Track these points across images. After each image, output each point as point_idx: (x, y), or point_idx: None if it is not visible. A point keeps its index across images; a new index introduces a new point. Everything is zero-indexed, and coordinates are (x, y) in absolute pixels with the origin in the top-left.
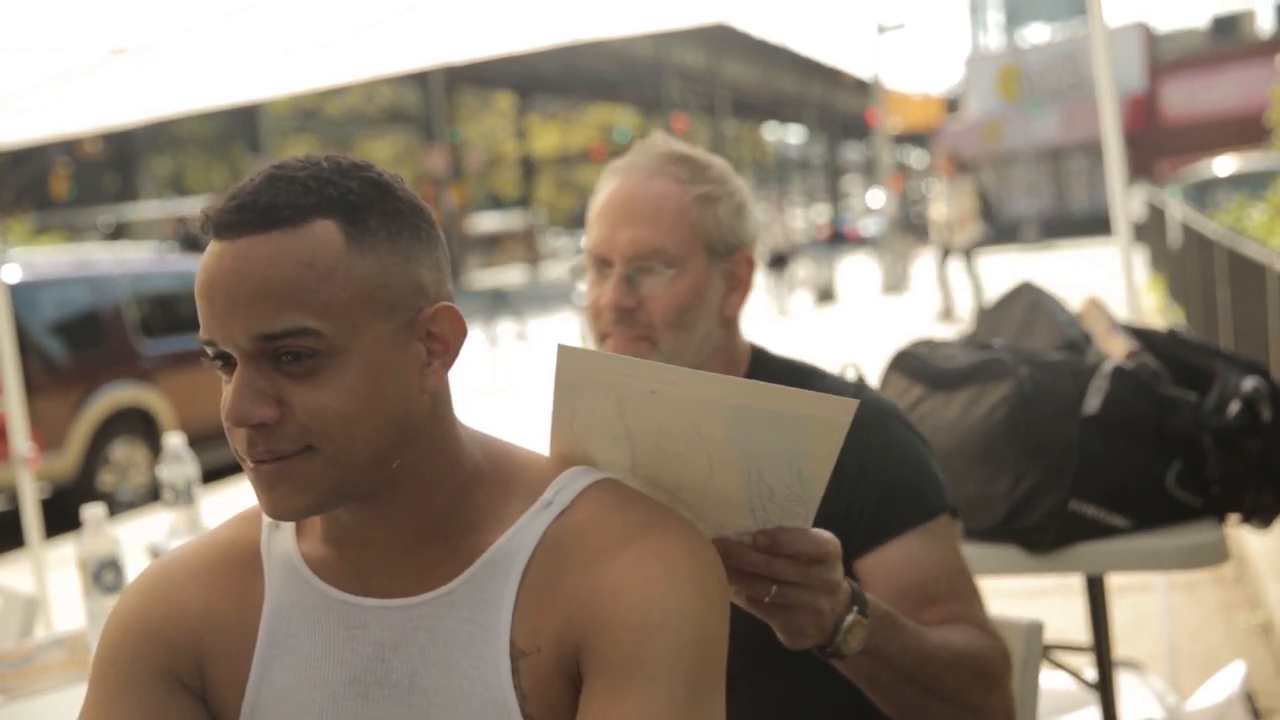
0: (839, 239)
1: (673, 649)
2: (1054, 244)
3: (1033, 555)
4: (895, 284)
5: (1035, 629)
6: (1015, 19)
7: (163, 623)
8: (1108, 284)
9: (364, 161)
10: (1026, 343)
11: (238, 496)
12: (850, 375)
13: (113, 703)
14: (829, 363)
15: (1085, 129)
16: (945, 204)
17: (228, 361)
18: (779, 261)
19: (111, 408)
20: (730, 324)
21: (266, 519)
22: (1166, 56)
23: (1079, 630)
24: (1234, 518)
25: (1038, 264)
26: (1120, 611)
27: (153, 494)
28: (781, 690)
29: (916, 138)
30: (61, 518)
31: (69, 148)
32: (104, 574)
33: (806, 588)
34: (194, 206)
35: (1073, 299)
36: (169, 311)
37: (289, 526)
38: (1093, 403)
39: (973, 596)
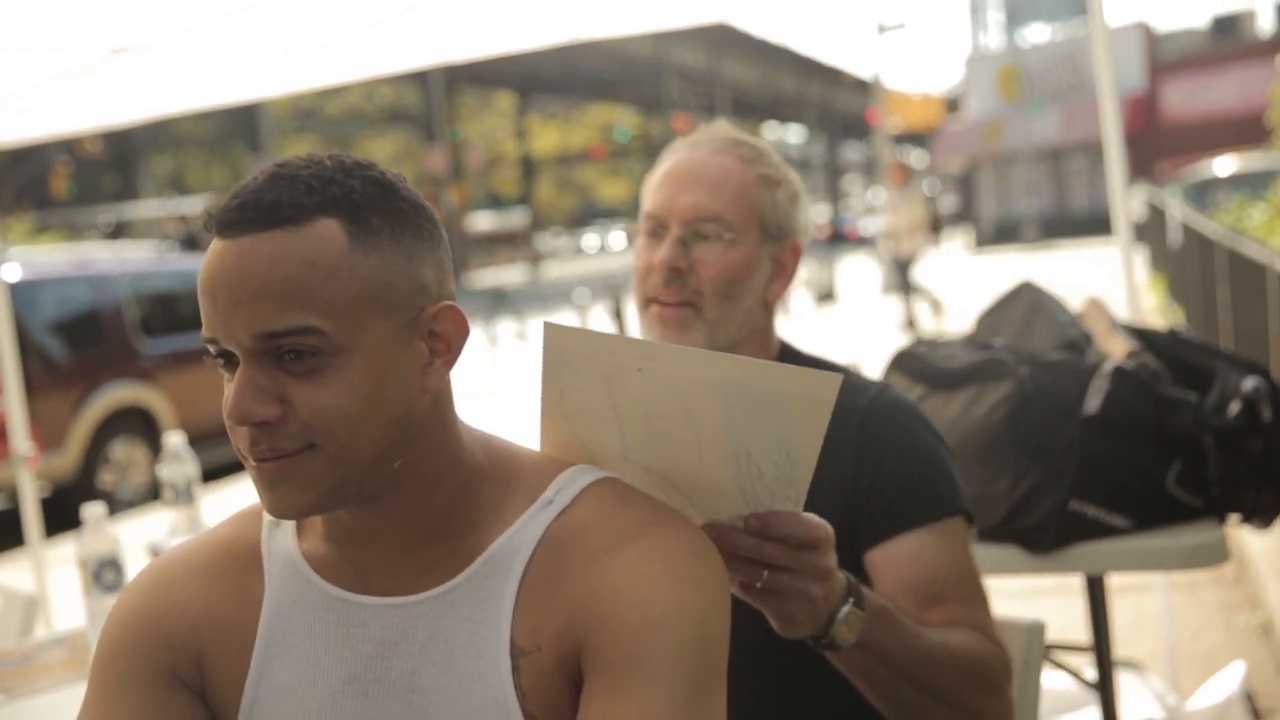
0: (839, 239)
1: (674, 648)
2: (1054, 244)
3: (1033, 555)
4: (895, 284)
5: (1036, 629)
6: (1015, 19)
7: (162, 621)
8: (1108, 284)
9: (367, 160)
10: (1027, 343)
11: (238, 495)
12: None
13: (112, 701)
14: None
15: (1085, 129)
16: (893, 213)
17: (230, 360)
18: None
19: (111, 407)
20: (769, 309)
21: (267, 517)
22: (1167, 56)
23: (1079, 630)
24: (1234, 518)
25: (1038, 264)
26: (1120, 611)
27: (153, 493)
28: (774, 685)
29: (917, 137)
30: (61, 517)
31: (69, 147)
32: (104, 573)
33: (798, 573)
34: (194, 206)
35: (1073, 299)
36: (169, 311)
37: (289, 525)
38: (1093, 403)
39: (979, 602)
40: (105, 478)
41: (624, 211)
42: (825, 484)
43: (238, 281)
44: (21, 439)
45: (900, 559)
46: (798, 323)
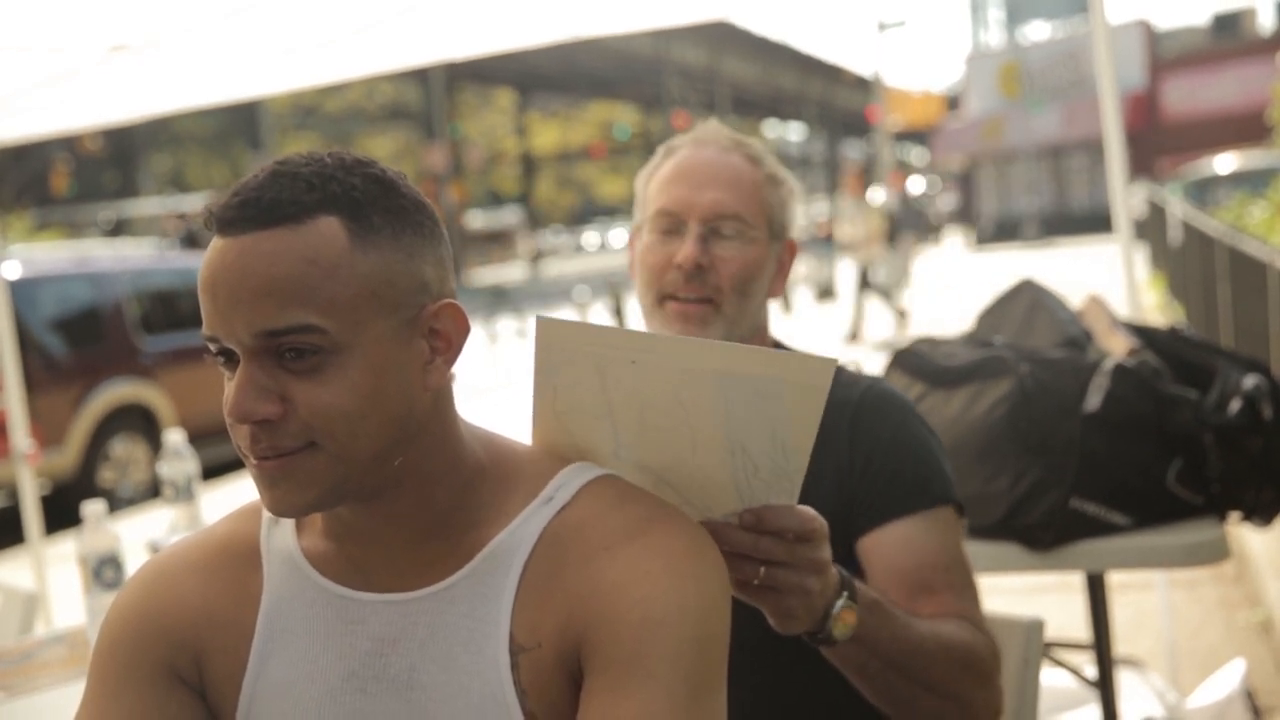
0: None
1: (674, 646)
2: (1055, 241)
3: (1033, 553)
4: (895, 281)
5: (1036, 627)
6: (1016, 16)
7: (161, 618)
8: (1108, 281)
9: (367, 158)
10: (1027, 340)
11: (238, 493)
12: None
13: (111, 698)
14: None
15: (1086, 126)
16: (850, 224)
17: (230, 358)
18: None
19: (112, 404)
20: (767, 308)
21: (266, 514)
22: (1167, 54)
23: (1079, 628)
24: (1234, 515)
25: (1038, 261)
26: (1121, 609)
27: (153, 491)
28: (773, 683)
29: (917, 135)
30: (62, 514)
31: (69, 144)
32: (104, 570)
33: (794, 567)
34: (194, 203)
35: (1073, 296)
36: (169, 308)
37: (289, 522)
38: (1093, 400)
39: (968, 592)
40: (105, 475)
41: (624, 209)
42: (821, 476)
43: (238, 280)
44: (21, 436)
45: (890, 546)
46: (798, 319)
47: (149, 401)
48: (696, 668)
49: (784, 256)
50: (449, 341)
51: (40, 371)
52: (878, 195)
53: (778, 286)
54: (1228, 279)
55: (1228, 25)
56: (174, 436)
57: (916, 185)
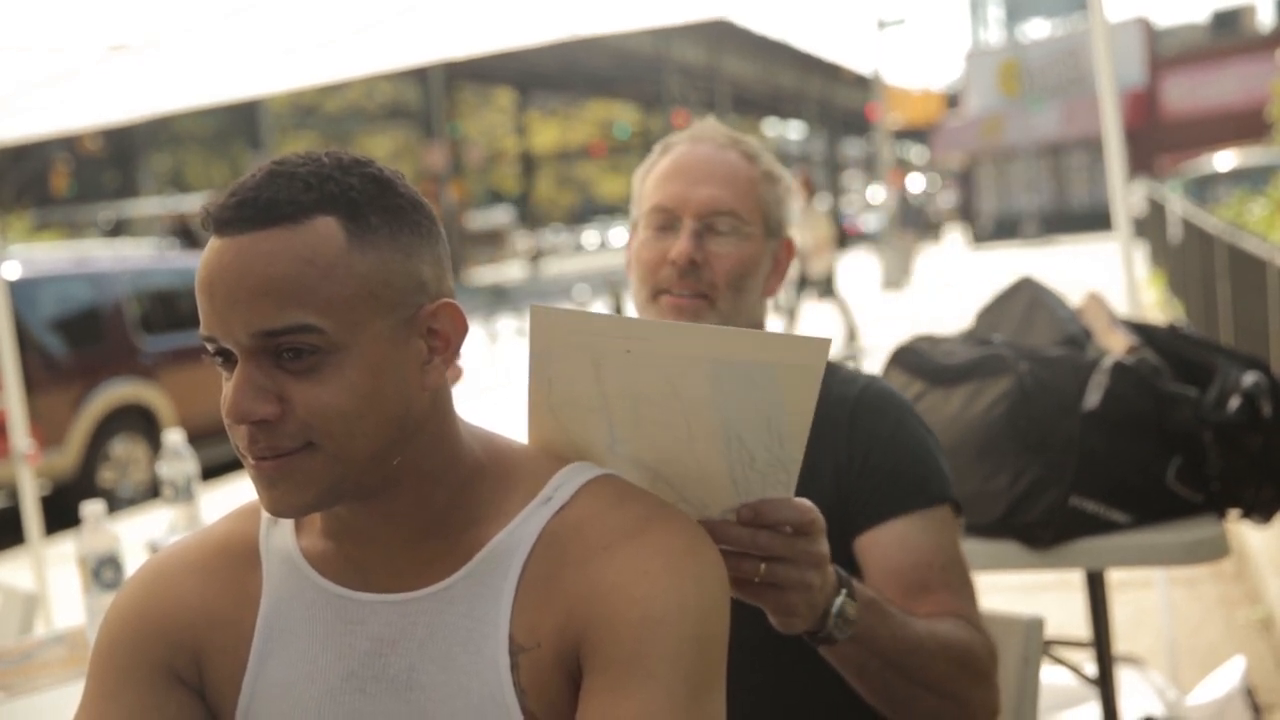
0: (839, 235)
1: (673, 645)
2: (1054, 239)
3: (1033, 551)
4: (895, 279)
5: (1036, 625)
6: (1015, 14)
7: (160, 618)
8: (1108, 279)
9: (365, 157)
10: (1026, 338)
11: (238, 493)
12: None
13: (110, 698)
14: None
15: (1086, 124)
16: (798, 231)
17: (228, 358)
18: None
19: (111, 404)
20: (764, 305)
21: (265, 514)
22: (1167, 52)
23: (1079, 626)
24: (1234, 513)
25: (1038, 259)
26: (1120, 607)
27: (153, 491)
28: (773, 683)
29: (917, 133)
30: (61, 514)
31: (69, 144)
32: (104, 571)
33: (794, 562)
34: (194, 203)
35: (1073, 294)
36: (169, 308)
37: (287, 522)
38: (1093, 398)
39: (965, 591)
40: (105, 475)
41: (624, 208)
42: (818, 473)
43: (235, 280)
44: (21, 436)
45: (887, 544)
46: (798, 317)
47: (149, 401)
48: (696, 667)
49: (780, 254)
50: (447, 341)
51: (40, 372)
52: (823, 202)
53: (774, 284)
54: (1227, 276)
55: (1227, 22)
56: (174, 437)
57: (915, 183)
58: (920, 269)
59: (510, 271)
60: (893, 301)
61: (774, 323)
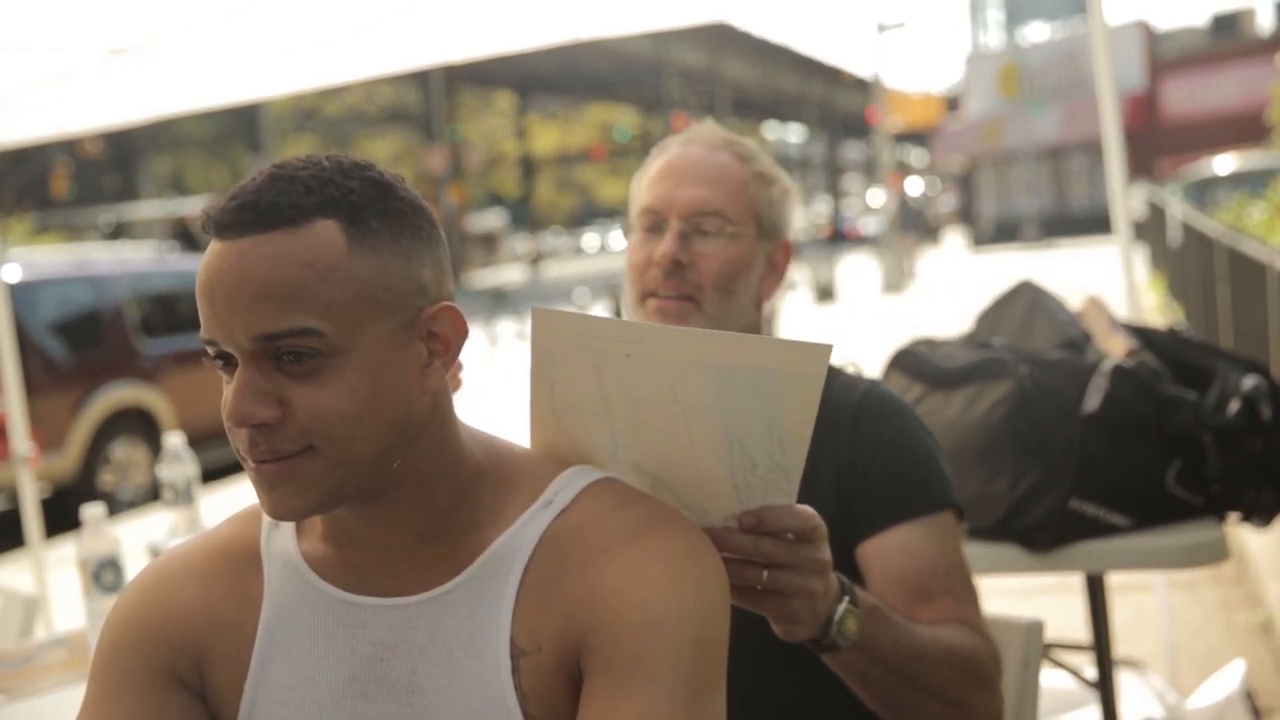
0: (839, 238)
1: (674, 648)
2: (1054, 242)
3: (1033, 554)
4: (895, 283)
5: (1036, 628)
6: (1015, 17)
7: (162, 622)
8: (1108, 282)
9: (365, 161)
10: (1026, 341)
11: (238, 496)
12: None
13: (112, 701)
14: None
15: (1085, 127)
16: None
17: (229, 361)
18: None
19: (112, 407)
20: (760, 308)
21: (266, 517)
22: (1167, 55)
23: (1079, 629)
24: (1234, 516)
25: (1038, 262)
26: (1120, 610)
27: (153, 494)
28: (774, 689)
29: (917, 136)
30: (61, 517)
31: (69, 147)
32: (104, 573)
33: (796, 569)
34: (194, 206)
35: (1073, 297)
36: (169, 311)
37: (289, 525)
38: (1093, 401)
39: (968, 597)
40: (105, 478)
41: (624, 211)
42: (820, 479)
43: (236, 283)
44: (22, 439)
45: (890, 551)
46: (798, 321)
47: (149, 404)
48: (696, 670)
49: (776, 256)
50: (447, 344)
51: (40, 374)
52: None
53: (768, 287)
54: (1227, 280)
55: (1227, 26)
56: (174, 439)
57: (914, 187)
58: (920, 272)
59: (508, 274)
60: (892, 304)
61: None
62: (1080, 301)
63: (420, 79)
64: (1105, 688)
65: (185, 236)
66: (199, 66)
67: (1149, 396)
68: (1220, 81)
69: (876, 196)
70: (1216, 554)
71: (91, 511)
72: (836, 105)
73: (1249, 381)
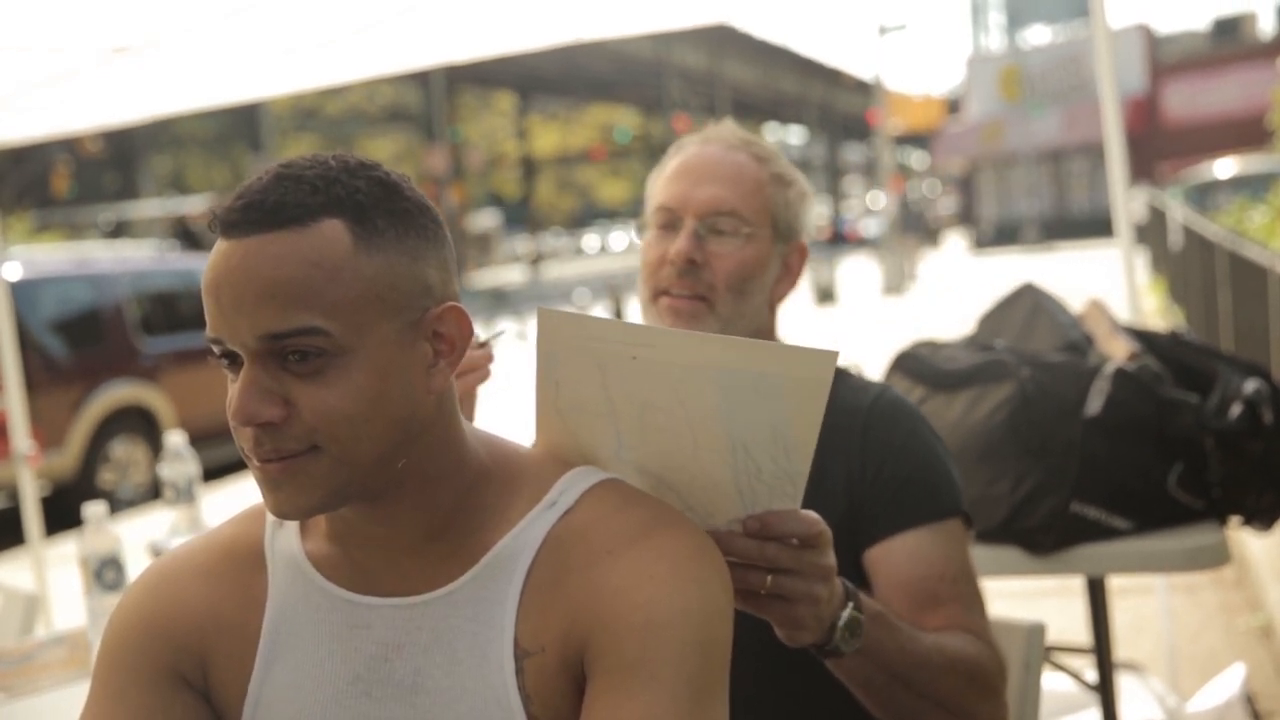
0: (839, 240)
1: (677, 649)
2: (1055, 245)
3: (1034, 557)
4: (896, 285)
5: (1037, 630)
6: (1016, 20)
7: (166, 621)
8: (1109, 285)
9: (371, 161)
10: (1028, 344)
11: (239, 495)
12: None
13: (116, 700)
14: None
15: (1086, 130)
16: None
17: (234, 360)
18: None
19: (112, 406)
20: (774, 310)
21: (270, 517)
22: (1168, 58)
23: (1079, 632)
24: (1235, 520)
25: (1039, 265)
26: (1121, 613)
27: (153, 492)
28: (776, 694)
29: (917, 139)
30: (62, 516)
31: (70, 146)
32: (105, 572)
33: (800, 575)
34: (194, 205)
35: (1074, 300)
36: (169, 310)
37: (293, 525)
38: (1094, 404)
39: (975, 605)
40: (106, 477)
41: (624, 212)
42: (831, 483)
43: (242, 282)
44: (22, 438)
45: (897, 557)
46: (798, 323)
47: (149, 403)
48: (700, 671)
49: (791, 258)
50: (452, 344)
51: (41, 373)
52: None
53: (783, 289)
54: (1228, 283)
55: (1228, 30)
56: (175, 438)
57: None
58: (921, 274)
59: (506, 275)
60: (893, 307)
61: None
62: (1081, 304)
63: (421, 79)
64: (1105, 691)
65: (186, 235)
66: (200, 66)
67: (1150, 399)
68: (1221, 85)
69: (877, 199)
70: (1217, 557)
71: (93, 510)
72: (837, 107)
73: (1250, 385)
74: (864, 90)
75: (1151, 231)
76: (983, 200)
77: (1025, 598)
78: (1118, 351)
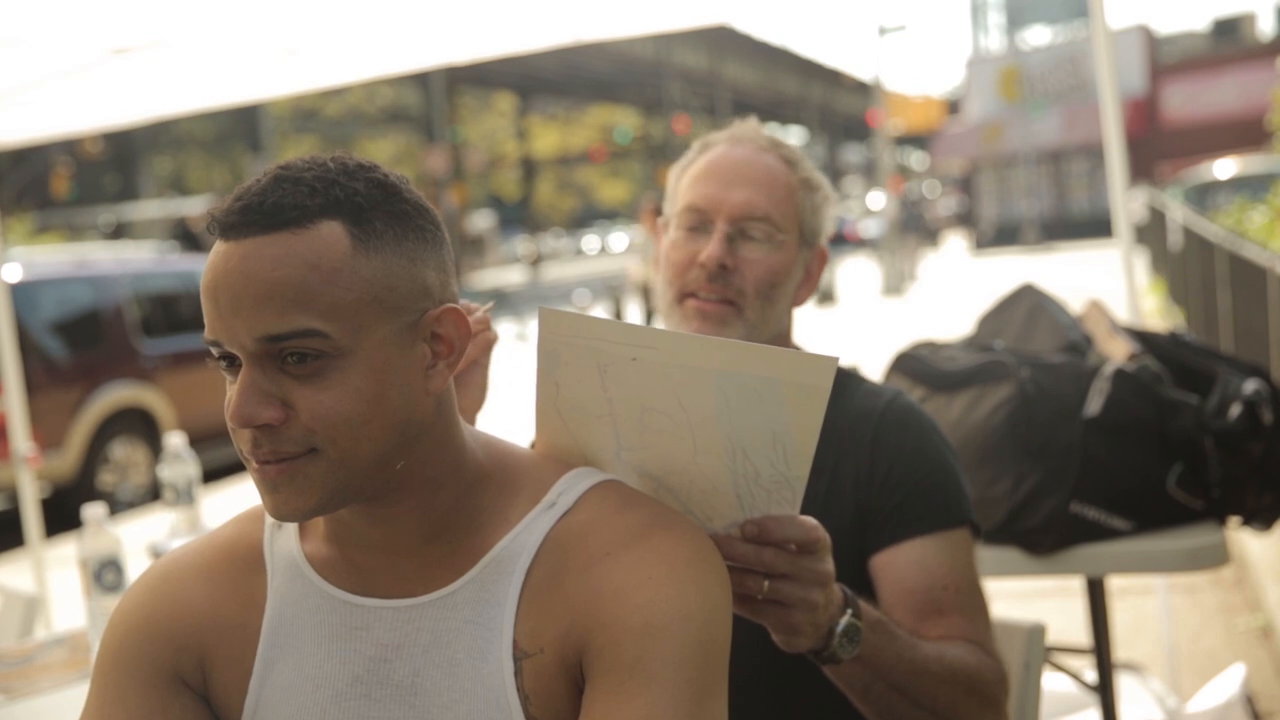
0: (839, 241)
1: (676, 651)
2: (1055, 246)
3: (1033, 557)
4: (895, 286)
5: (1037, 631)
6: (1016, 21)
7: (166, 622)
8: (1109, 286)
9: (370, 162)
10: (1028, 345)
11: (238, 496)
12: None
13: (116, 701)
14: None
15: (1086, 131)
16: (644, 261)
17: (233, 362)
18: None
19: (112, 407)
20: (792, 314)
21: (269, 518)
22: (1167, 59)
23: (1079, 632)
24: (1235, 520)
25: (1038, 266)
26: (1120, 614)
27: (152, 494)
28: (774, 700)
29: (917, 139)
30: (61, 517)
31: (69, 147)
32: (105, 573)
33: (798, 580)
34: (194, 206)
35: (1074, 301)
36: (169, 311)
37: (292, 526)
38: (1094, 405)
39: (979, 615)
40: (105, 478)
41: (624, 213)
42: (841, 487)
43: (240, 284)
44: (22, 439)
45: (903, 564)
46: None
47: (149, 404)
48: (699, 672)
49: (813, 264)
50: (451, 346)
51: (40, 374)
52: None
53: (804, 294)
54: (1228, 284)
55: (1228, 30)
56: (174, 439)
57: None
58: (921, 275)
59: (504, 276)
60: (893, 307)
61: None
62: (1081, 305)
63: (421, 80)
64: (1105, 691)
65: (185, 237)
66: (200, 67)
67: (1150, 400)
68: (1221, 86)
69: (877, 199)
70: (1217, 558)
71: (93, 512)
72: (837, 108)
73: (1250, 386)
74: (864, 91)
75: (1151, 232)
76: (982, 201)
77: (1025, 598)
78: (1117, 352)
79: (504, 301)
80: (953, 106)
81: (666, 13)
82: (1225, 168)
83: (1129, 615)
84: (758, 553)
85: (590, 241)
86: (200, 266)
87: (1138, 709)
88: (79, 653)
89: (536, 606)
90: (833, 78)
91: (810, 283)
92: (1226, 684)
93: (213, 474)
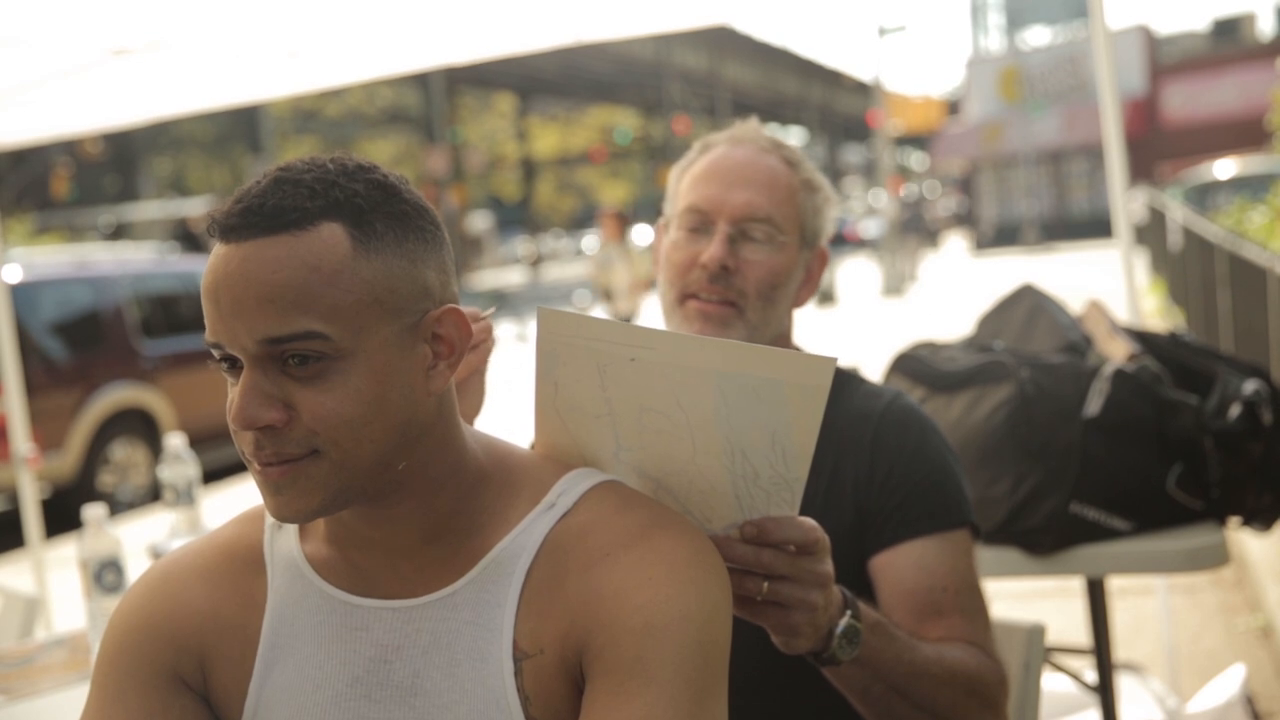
0: (839, 241)
1: (676, 651)
2: (1054, 246)
3: (1033, 557)
4: (895, 286)
5: (1037, 631)
6: (1016, 21)
7: (167, 622)
8: (1108, 286)
9: (369, 163)
10: (1028, 345)
11: (239, 497)
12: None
13: (115, 702)
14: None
15: (1086, 131)
16: (603, 270)
17: (234, 364)
18: None
19: (112, 408)
20: (792, 315)
21: (269, 519)
22: (1167, 59)
23: (1079, 633)
24: (1234, 520)
25: (1038, 266)
26: (1120, 614)
27: (152, 494)
28: (774, 702)
29: (917, 140)
30: (62, 518)
31: (69, 148)
32: (105, 574)
33: (797, 582)
34: (194, 207)
35: (1074, 301)
36: (169, 312)
37: (292, 527)
38: (1094, 405)
39: (979, 617)
40: (105, 479)
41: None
42: (841, 488)
43: (241, 286)
44: (22, 440)
45: (902, 566)
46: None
47: (149, 405)
48: (699, 673)
49: (814, 265)
50: (451, 346)
51: (40, 375)
52: (641, 239)
53: (804, 295)
54: (1228, 284)
55: (1227, 30)
56: (174, 440)
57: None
58: (921, 275)
59: (503, 277)
60: (893, 308)
61: None
62: (1081, 305)
63: (421, 81)
64: (1105, 691)
65: (186, 237)
66: (200, 68)
67: (1150, 400)
68: (1221, 86)
69: (877, 200)
70: (1217, 558)
71: (93, 512)
72: (837, 108)
73: (1250, 386)
74: (864, 91)
75: (1151, 232)
76: (982, 201)
77: (1025, 598)
78: (1117, 352)
79: (504, 302)
80: (953, 107)
81: (666, 13)
82: (1225, 168)
83: (1129, 615)
84: (757, 554)
85: (590, 242)
86: (200, 267)
87: (1138, 709)
88: (79, 654)
89: (536, 607)
90: (833, 78)
91: (811, 284)
92: (1226, 684)
93: (213, 475)
